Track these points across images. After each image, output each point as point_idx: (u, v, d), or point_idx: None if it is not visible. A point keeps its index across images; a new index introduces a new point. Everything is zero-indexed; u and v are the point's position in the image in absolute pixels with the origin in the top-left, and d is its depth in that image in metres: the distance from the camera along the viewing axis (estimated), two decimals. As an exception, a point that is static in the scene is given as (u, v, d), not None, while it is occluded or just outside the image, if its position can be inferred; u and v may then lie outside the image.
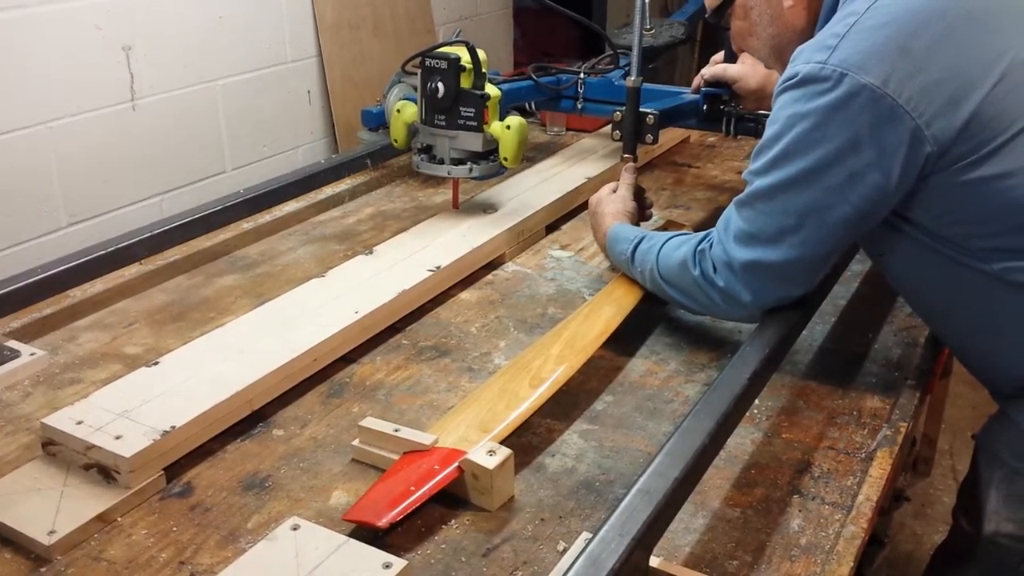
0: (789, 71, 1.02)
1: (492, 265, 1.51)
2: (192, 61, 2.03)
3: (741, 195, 1.09)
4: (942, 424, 2.19)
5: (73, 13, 1.81)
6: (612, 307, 1.27)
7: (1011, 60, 0.95)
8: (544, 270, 1.50)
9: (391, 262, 1.42)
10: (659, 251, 1.23)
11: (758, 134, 1.53)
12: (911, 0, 0.97)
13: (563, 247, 1.59)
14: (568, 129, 2.19)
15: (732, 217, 1.10)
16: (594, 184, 1.71)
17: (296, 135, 2.28)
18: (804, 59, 0.99)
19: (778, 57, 1.15)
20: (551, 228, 1.66)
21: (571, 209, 1.72)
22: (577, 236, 1.62)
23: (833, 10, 1.05)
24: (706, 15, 1.20)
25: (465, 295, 1.42)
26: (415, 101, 1.59)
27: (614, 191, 1.44)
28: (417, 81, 1.57)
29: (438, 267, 1.40)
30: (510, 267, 1.52)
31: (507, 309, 1.38)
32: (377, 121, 1.89)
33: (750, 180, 1.07)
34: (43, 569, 0.87)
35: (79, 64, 1.83)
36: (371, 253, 1.45)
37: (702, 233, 1.18)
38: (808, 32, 1.08)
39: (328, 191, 1.80)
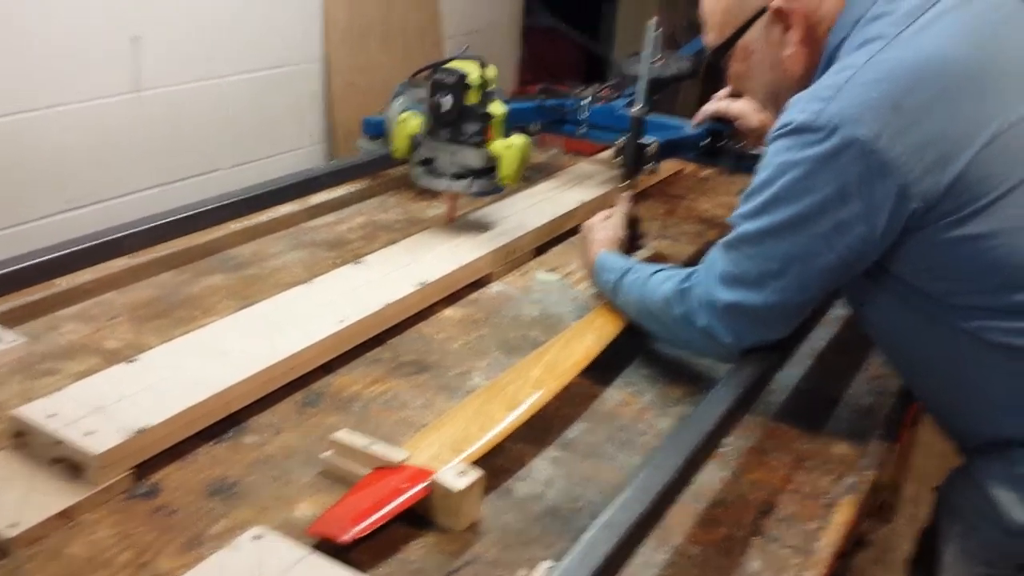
0: (784, 118, 1.03)
1: (479, 283, 1.52)
2: (199, 56, 2.05)
3: (728, 237, 1.10)
4: (908, 472, 2.20)
5: (82, 2, 1.82)
6: (593, 335, 1.28)
7: (1001, 122, 0.96)
8: (530, 292, 1.51)
9: (379, 273, 1.42)
10: (644, 284, 1.24)
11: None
12: (908, 57, 0.99)
13: (551, 270, 1.60)
14: (567, 152, 2.20)
15: (717, 258, 1.12)
16: (587, 209, 1.72)
17: (296, 137, 2.29)
18: (799, 108, 1.01)
19: (774, 102, 1.17)
20: (541, 250, 1.67)
21: (562, 232, 1.72)
22: (566, 260, 1.63)
23: (831, 60, 1.07)
24: (705, 55, 1.22)
25: (449, 312, 1.43)
26: (421, 112, 1.60)
27: (609, 218, 1.45)
28: (421, 93, 1.58)
29: (424, 282, 1.40)
30: (496, 287, 1.53)
31: (490, 329, 1.38)
32: (377, 130, 1.90)
33: (737, 223, 1.08)
34: (2, 561, 0.87)
35: (87, 51, 1.84)
36: (360, 263, 1.46)
37: (687, 271, 1.19)
38: (805, 80, 1.10)
39: (322, 197, 1.81)
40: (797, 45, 1.11)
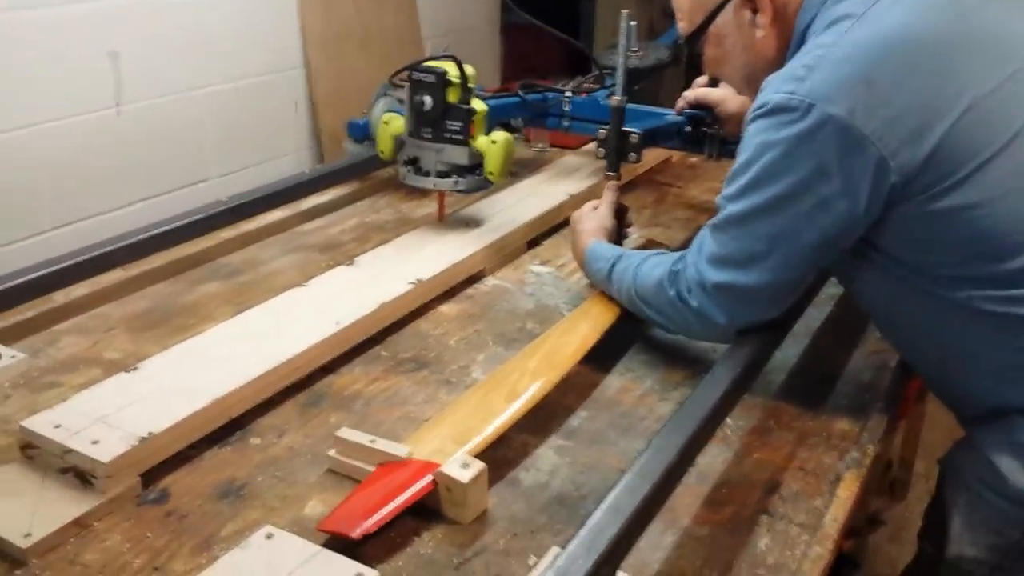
0: (759, 100, 1.04)
1: (473, 279, 1.53)
2: (178, 68, 2.04)
3: (714, 219, 1.12)
4: (919, 448, 2.22)
5: (60, 17, 1.81)
6: (589, 324, 1.29)
7: (975, 93, 0.98)
8: (524, 285, 1.52)
9: (373, 273, 1.43)
10: (635, 271, 1.25)
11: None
12: (877, 33, 1.00)
13: (544, 263, 1.61)
14: (552, 146, 2.21)
15: (706, 240, 1.13)
16: (576, 201, 1.73)
17: (281, 145, 2.29)
18: (774, 89, 1.02)
19: (749, 84, 1.18)
20: (532, 243, 1.68)
21: (553, 225, 1.73)
22: (558, 252, 1.64)
23: (803, 40, 1.09)
24: (680, 41, 1.23)
25: (445, 308, 1.44)
26: (401, 114, 1.61)
27: (596, 208, 1.46)
28: (403, 94, 1.59)
29: (419, 280, 1.41)
30: (490, 281, 1.53)
31: (486, 323, 1.39)
32: (363, 133, 1.90)
33: (723, 205, 1.10)
34: (18, 572, 0.88)
35: (65, 68, 1.84)
36: (353, 264, 1.47)
37: (677, 254, 1.20)
38: (779, 61, 1.11)
39: (312, 201, 1.81)
40: (767, 27, 1.13)
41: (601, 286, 1.35)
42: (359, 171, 1.90)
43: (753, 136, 1.05)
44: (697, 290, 1.14)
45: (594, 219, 1.43)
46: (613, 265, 1.30)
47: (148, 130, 2.01)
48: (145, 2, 1.95)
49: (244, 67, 2.18)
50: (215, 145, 2.16)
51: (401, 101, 1.63)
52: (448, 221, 1.65)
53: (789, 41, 1.12)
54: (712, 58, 1.22)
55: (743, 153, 1.06)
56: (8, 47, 1.74)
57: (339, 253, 1.61)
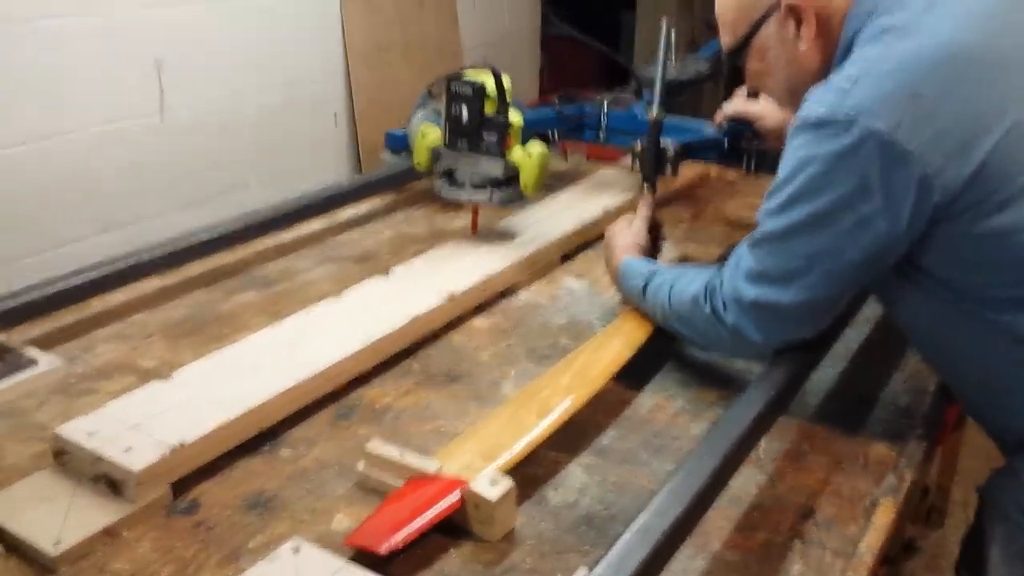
0: (802, 113, 1.03)
1: (506, 292, 1.52)
2: (221, 78, 2.07)
3: (753, 234, 1.10)
4: (956, 475, 2.17)
5: (107, 26, 1.85)
6: (622, 340, 1.28)
7: (1019, 111, 0.95)
8: (557, 300, 1.51)
9: (406, 286, 1.43)
10: (671, 287, 1.23)
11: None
12: (923, 46, 0.98)
13: (578, 277, 1.60)
14: (589, 158, 2.20)
15: (743, 255, 1.11)
16: (612, 215, 1.72)
17: (321, 155, 2.32)
18: (816, 102, 1.01)
19: (792, 98, 1.16)
20: (567, 258, 1.67)
21: (588, 239, 1.72)
22: (592, 267, 1.63)
23: (847, 54, 1.06)
24: (723, 55, 1.22)
25: (478, 321, 1.43)
26: (439, 124, 1.61)
27: (630, 224, 1.45)
28: (441, 106, 1.59)
29: (452, 293, 1.41)
30: (524, 295, 1.53)
31: (519, 337, 1.39)
32: (401, 144, 1.91)
33: (762, 220, 1.08)
34: (48, 579, 0.89)
35: (111, 76, 1.87)
36: (388, 275, 1.47)
37: (713, 270, 1.18)
38: (822, 74, 1.09)
39: (349, 212, 1.82)
40: (811, 40, 1.11)
41: (635, 302, 1.34)
42: (395, 182, 1.91)
43: (794, 150, 1.03)
44: (733, 306, 1.12)
45: (628, 235, 1.42)
46: (647, 281, 1.28)
47: (190, 138, 2.04)
48: (190, 12, 1.99)
49: (286, 77, 2.21)
50: (256, 154, 2.19)
51: (439, 112, 1.63)
52: (482, 234, 1.65)
53: (833, 54, 1.10)
54: (754, 72, 1.20)
55: (784, 167, 1.05)
56: (55, 55, 1.78)
57: (374, 264, 1.61)
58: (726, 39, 1.20)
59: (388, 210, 1.88)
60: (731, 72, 1.26)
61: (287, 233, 1.70)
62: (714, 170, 2.11)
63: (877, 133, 0.95)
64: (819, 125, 0.99)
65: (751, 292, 1.10)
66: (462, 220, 1.78)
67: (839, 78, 1.01)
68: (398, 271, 1.49)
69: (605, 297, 1.51)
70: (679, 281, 1.23)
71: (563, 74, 3.08)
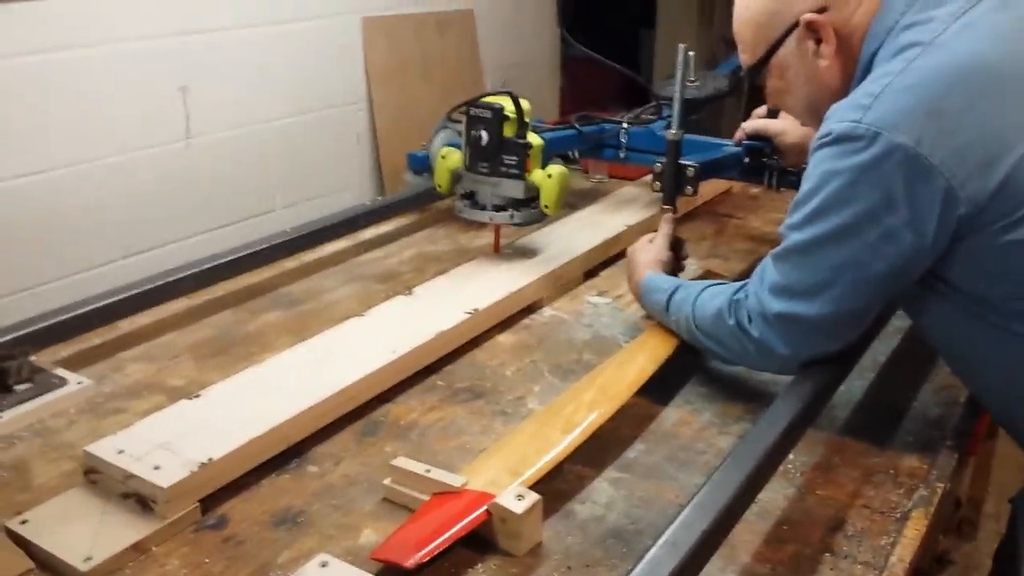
0: (824, 128, 1.03)
1: (530, 309, 1.52)
2: (245, 102, 2.10)
3: (777, 248, 1.10)
4: (989, 486, 2.14)
5: (133, 53, 1.88)
6: (646, 355, 1.28)
7: None
8: (581, 316, 1.51)
9: (430, 303, 1.44)
10: (695, 300, 1.23)
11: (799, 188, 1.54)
12: (944, 61, 0.98)
13: (601, 293, 1.60)
14: (611, 177, 2.21)
15: (768, 269, 1.11)
16: (634, 232, 1.72)
17: (344, 176, 2.34)
18: (839, 117, 1.01)
19: (813, 116, 1.16)
20: (590, 274, 1.67)
21: (610, 256, 1.73)
22: (615, 283, 1.63)
23: (868, 69, 1.06)
24: (742, 73, 1.22)
25: (502, 338, 1.44)
26: (459, 147, 1.62)
27: (652, 241, 1.45)
28: (462, 127, 1.61)
29: (476, 310, 1.41)
30: (547, 312, 1.53)
31: (543, 354, 1.39)
32: (422, 165, 1.93)
33: (786, 234, 1.08)
34: (78, 595, 0.90)
35: (138, 102, 1.90)
36: (411, 294, 1.48)
37: (738, 284, 1.18)
38: (843, 90, 1.09)
39: (372, 232, 1.84)
40: (831, 57, 1.11)
41: (659, 317, 1.33)
42: (418, 202, 1.93)
43: (818, 165, 1.03)
44: (758, 320, 1.12)
45: (650, 251, 1.42)
46: (671, 295, 1.28)
47: (216, 162, 2.07)
48: (214, 39, 2.02)
49: (310, 100, 2.23)
50: (280, 177, 2.21)
51: (459, 134, 1.64)
52: (505, 252, 1.66)
53: (853, 71, 1.10)
54: (774, 89, 1.21)
55: (807, 182, 1.05)
56: (83, 82, 1.81)
57: (397, 283, 1.62)
58: (745, 57, 1.20)
59: (411, 230, 1.89)
60: (750, 88, 1.26)
61: (311, 253, 1.71)
62: (737, 186, 2.11)
63: (901, 147, 0.95)
64: (842, 140, 0.99)
65: (776, 305, 1.09)
66: (484, 239, 1.79)
67: (860, 94, 1.01)
68: (421, 289, 1.50)
69: (628, 312, 1.51)
70: (703, 295, 1.23)
71: (583, 93, 3.10)
